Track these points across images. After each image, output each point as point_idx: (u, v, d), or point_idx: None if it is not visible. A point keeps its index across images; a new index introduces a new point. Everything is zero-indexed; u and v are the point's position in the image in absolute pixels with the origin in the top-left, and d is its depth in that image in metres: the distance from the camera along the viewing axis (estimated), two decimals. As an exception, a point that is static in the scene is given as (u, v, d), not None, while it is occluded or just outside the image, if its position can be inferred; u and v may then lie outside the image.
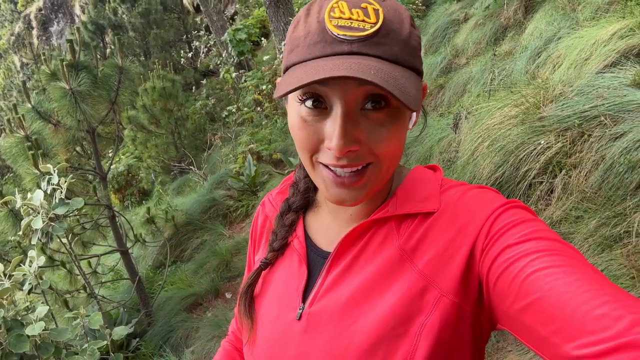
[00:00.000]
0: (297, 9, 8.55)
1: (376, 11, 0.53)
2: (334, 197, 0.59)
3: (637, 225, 2.11)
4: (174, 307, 4.08)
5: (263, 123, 7.27)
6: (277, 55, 7.48)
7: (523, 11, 4.61)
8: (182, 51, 11.88)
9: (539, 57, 3.26)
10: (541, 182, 2.59)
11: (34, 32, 22.80)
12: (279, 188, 0.80)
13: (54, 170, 2.35)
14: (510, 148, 2.67)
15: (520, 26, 4.39)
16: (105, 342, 2.50)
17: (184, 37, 12.79)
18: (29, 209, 2.39)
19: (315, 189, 0.75)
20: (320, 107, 0.55)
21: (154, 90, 7.32)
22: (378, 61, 0.52)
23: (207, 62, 12.65)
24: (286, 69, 0.58)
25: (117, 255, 4.52)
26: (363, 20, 0.53)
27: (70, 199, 2.46)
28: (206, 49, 12.37)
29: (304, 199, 0.73)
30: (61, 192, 2.18)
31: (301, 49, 0.55)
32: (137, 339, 3.95)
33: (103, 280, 4.08)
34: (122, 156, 9.15)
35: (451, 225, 0.58)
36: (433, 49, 5.69)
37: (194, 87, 11.42)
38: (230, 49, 9.73)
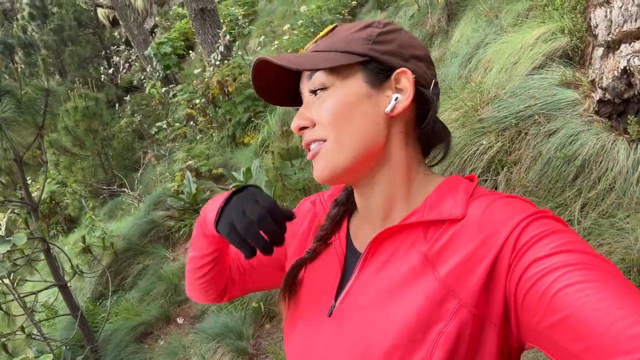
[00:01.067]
0: (223, 20, 8.44)
1: (335, 26, 0.70)
2: (313, 175, 0.68)
3: (578, 214, 2.29)
4: (123, 338, 3.84)
5: (198, 138, 7.08)
6: (207, 68, 7.33)
7: (446, 19, 4.86)
8: (101, 67, 11.28)
9: (470, 62, 3.46)
10: (486, 180, 2.74)
11: None
12: (330, 191, 0.86)
13: (-13, 206, 2.15)
14: (455, 150, 2.80)
15: (447, 33, 4.63)
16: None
17: (102, 52, 12.16)
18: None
19: None
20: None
21: (77, 110, 6.90)
22: (307, 53, 0.68)
23: (128, 77, 12.12)
24: None
25: (51, 290, 4.19)
26: (322, 35, 0.71)
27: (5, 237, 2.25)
28: (127, 64, 11.84)
29: (348, 195, 0.78)
30: (0, 229, 1.98)
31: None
32: (84, 378, 3.68)
33: (40, 319, 3.76)
34: (43, 182, 8.51)
35: (476, 235, 0.58)
36: (364, 57, 5.84)
37: (117, 105, 10.89)
38: (155, 63, 9.40)
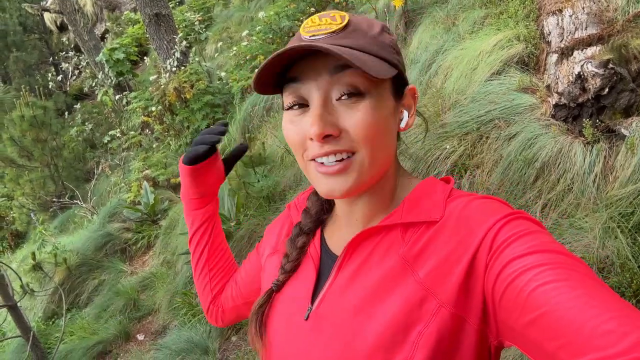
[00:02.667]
0: (178, 26, 8.26)
1: (342, 17, 0.62)
2: (324, 188, 0.62)
3: (539, 215, 2.36)
4: (79, 359, 3.64)
5: (154, 146, 6.87)
6: (163, 75, 7.14)
7: (404, 26, 4.94)
8: (49, 74, 10.79)
9: (430, 68, 3.52)
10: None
11: None
12: (308, 192, 0.83)
13: None
14: (419, 155, 2.83)
15: (404, 40, 4.70)
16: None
17: (50, 59, 11.64)
18: None
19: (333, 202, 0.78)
20: (303, 107, 0.62)
21: (23, 119, 6.55)
22: (341, 47, 0.58)
23: (78, 84, 11.65)
24: None
25: (-1, 311, 3.93)
26: (330, 24, 0.61)
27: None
28: (77, 70, 11.39)
29: (316, 221, 0.76)
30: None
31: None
32: (37, 404, 3.45)
33: (-13, 344, 3.50)
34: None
35: (453, 236, 0.58)
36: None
37: (66, 113, 10.43)
38: (107, 69, 9.07)
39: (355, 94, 0.59)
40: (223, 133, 0.84)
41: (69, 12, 9.86)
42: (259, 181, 3.95)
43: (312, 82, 0.60)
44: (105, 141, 8.24)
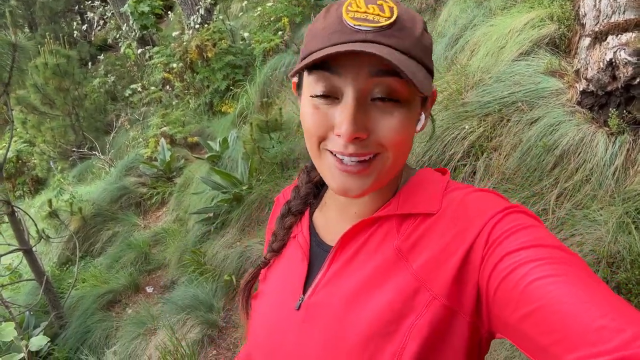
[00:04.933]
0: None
1: (391, 8, 0.57)
2: (339, 185, 0.60)
3: (553, 204, 2.31)
4: (89, 306, 3.77)
5: (174, 104, 6.88)
6: (186, 31, 7.07)
7: (434, -4, 4.78)
8: (74, 23, 10.77)
9: (457, 43, 3.41)
10: (465, 165, 2.74)
11: None
12: (295, 183, 0.82)
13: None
14: (436, 133, 2.78)
15: (434, 11, 4.55)
16: (22, 355, 2.23)
17: (76, 7, 11.60)
18: None
19: (322, 187, 0.78)
20: (332, 97, 0.58)
21: (47, 67, 6.59)
22: (391, 50, 0.55)
23: (103, 35, 11.62)
24: (303, 58, 0.60)
25: (16, 253, 4.07)
26: (378, 14, 0.56)
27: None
28: (102, 20, 11.34)
29: (304, 204, 0.76)
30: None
31: (319, 39, 0.58)
32: (48, 344, 3.61)
33: (4, 283, 3.65)
34: (8, 140, 8.16)
35: (449, 229, 0.58)
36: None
37: (89, 63, 10.47)
38: (131, 22, 9.01)
39: (392, 100, 0.57)
40: None
41: (96, -40, 9.75)
42: (273, 147, 3.94)
43: (350, 78, 0.56)
44: (127, 94, 8.28)
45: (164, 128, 5.71)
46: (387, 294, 0.58)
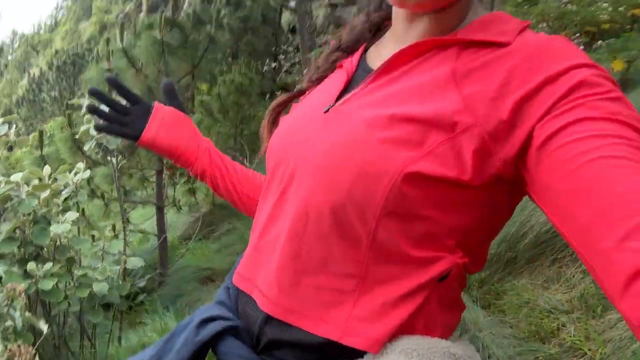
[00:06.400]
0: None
1: None
2: None
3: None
4: (189, 275, 4.09)
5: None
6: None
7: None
8: (267, 59, 12.38)
9: None
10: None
11: (142, 15, 24.60)
12: None
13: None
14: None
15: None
16: (118, 267, 2.52)
17: (273, 48, 13.36)
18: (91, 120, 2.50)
19: (385, 28, 0.71)
20: None
21: (232, 82, 7.63)
22: None
23: (287, 78, 13.10)
24: None
25: (148, 219, 4.64)
26: None
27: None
28: (290, 64, 12.83)
29: (356, 43, 0.71)
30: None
31: None
32: (145, 294, 3.97)
33: (132, 229, 4.17)
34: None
35: (520, 63, 0.50)
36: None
37: (267, 96, 11.81)
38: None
39: None
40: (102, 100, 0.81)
41: (301, 14, 11.22)
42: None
43: None
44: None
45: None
46: (424, 104, 0.52)
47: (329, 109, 0.61)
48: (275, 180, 0.64)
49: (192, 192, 4.93)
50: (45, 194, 2.31)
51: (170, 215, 4.82)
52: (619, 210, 0.39)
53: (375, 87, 0.58)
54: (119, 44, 3.60)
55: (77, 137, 3.31)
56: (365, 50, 0.70)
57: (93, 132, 2.34)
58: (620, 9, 4.09)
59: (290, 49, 12.59)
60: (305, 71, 0.74)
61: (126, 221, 2.93)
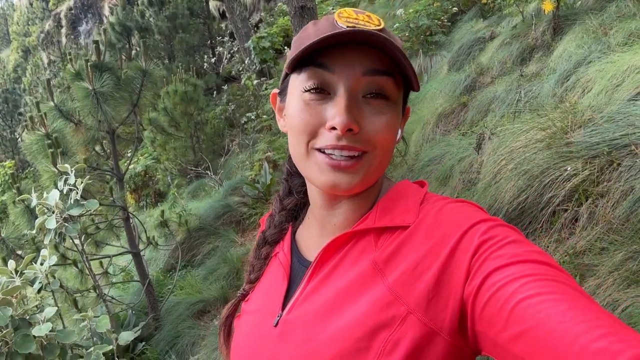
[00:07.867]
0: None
1: (378, 19, 0.61)
2: (328, 180, 0.60)
3: (667, 262, 2.01)
4: (182, 312, 4.05)
5: (281, 132, 7.25)
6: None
7: (551, 33, 4.53)
8: (205, 56, 11.99)
9: (568, 80, 3.18)
10: (566, 210, 2.51)
11: (63, 30, 23.30)
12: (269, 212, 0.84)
13: (72, 171, 2.35)
14: (535, 173, 2.59)
15: (548, 48, 4.31)
16: (111, 347, 2.46)
17: (208, 42, 12.91)
18: (44, 208, 2.39)
19: (304, 206, 0.78)
20: (324, 93, 0.60)
21: (176, 93, 7.37)
22: (387, 40, 0.56)
23: (229, 67, 12.75)
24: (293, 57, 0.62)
25: (129, 256, 4.53)
26: (368, 22, 0.60)
27: (85, 200, 2.45)
28: (229, 54, 12.46)
29: (280, 232, 0.76)
30: (77, 193, 2.16)
31: (312, 38, 0.58)
32: (143, 343, 3.92)
33: (114, 281, 4.07)
34: (140, 157, 9.22)
35: (426, 240, 0.57)
36: (457, 66, 5.63)
37: (215, 92, 11.50)
38: (253, 56, 9.79)
39: (383, 97, 0.60)
40: None
41: (229, 0, 10.82)
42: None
43: (343, 74, 0.58)
44: (243, 122, 8.92)
45: (269, 153, 6.04)
46: (361, 307, 0.56)
47: (277, 322, 0.65)
48: None
49: (164, 224, 4.82)
50: (15, 297, 2.21)
51: (147, 252, 4.71)
52: (567, 357, 0.41)
53: (312, 290, 0.63)
54: (51, 103, 3.40)
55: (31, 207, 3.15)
56: (294, 232, 0.76)
57: (49, 225, 2.22)
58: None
59: (226, 39, 12.20)
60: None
61: (103, 295, 2.83)
